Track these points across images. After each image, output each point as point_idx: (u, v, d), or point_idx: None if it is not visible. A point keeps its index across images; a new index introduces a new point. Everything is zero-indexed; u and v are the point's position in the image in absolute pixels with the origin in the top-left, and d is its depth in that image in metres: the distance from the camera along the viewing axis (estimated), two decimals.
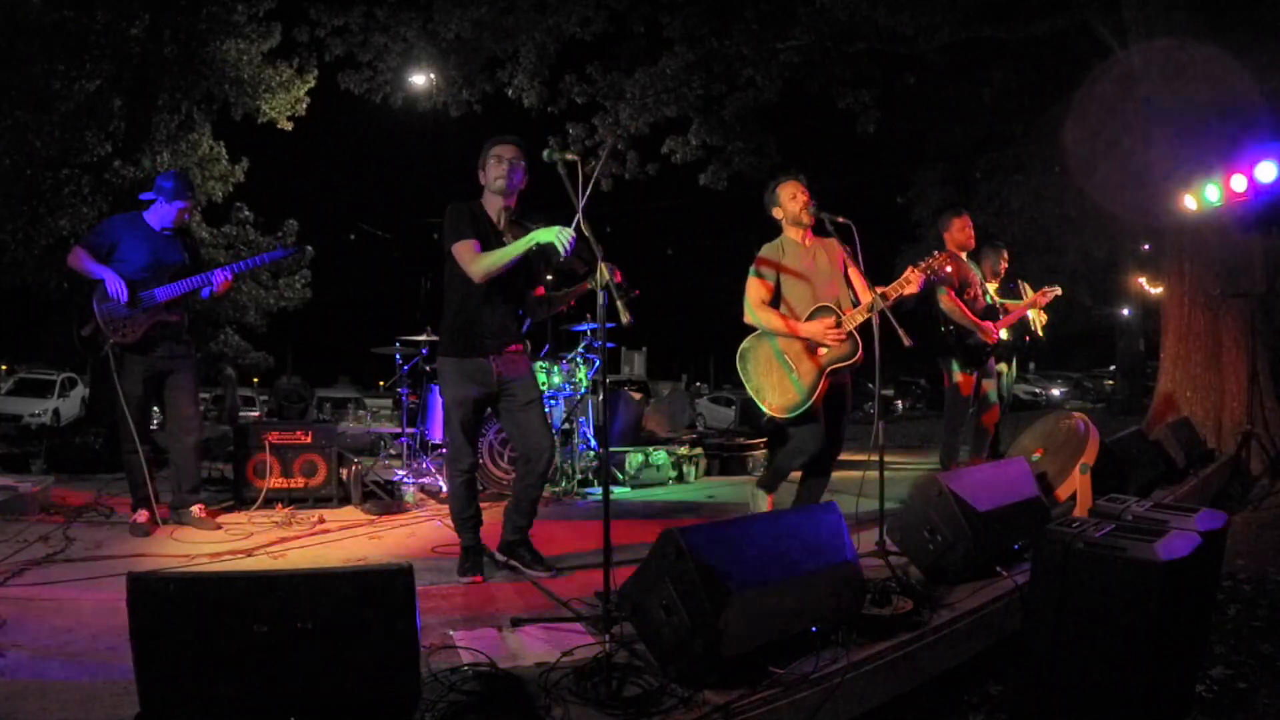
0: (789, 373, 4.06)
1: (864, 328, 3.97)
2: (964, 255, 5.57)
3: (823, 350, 4.03)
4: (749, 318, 4.17)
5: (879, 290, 3.87)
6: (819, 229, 4.19)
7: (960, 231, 5.56)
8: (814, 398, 4.00)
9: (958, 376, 5.53)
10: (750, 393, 4.17)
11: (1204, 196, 6.60)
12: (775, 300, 4.14)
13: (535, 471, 3.83)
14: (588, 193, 3.14)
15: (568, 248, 3.45)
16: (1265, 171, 6.16)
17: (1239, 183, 6.29)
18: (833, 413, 4.14)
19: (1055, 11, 8.83)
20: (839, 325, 3.97)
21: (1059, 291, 6.08)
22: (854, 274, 4.15)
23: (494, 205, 3.80)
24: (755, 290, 4.15)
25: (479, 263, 3.61)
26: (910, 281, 3.91)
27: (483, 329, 3.74)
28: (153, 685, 1.83)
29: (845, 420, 4.25)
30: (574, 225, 3.36)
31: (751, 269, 4.19)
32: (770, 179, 4.39)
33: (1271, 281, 6.75)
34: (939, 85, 13.50)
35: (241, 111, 14.97)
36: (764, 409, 4.13)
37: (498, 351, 3.76)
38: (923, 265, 3.96)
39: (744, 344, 4.21)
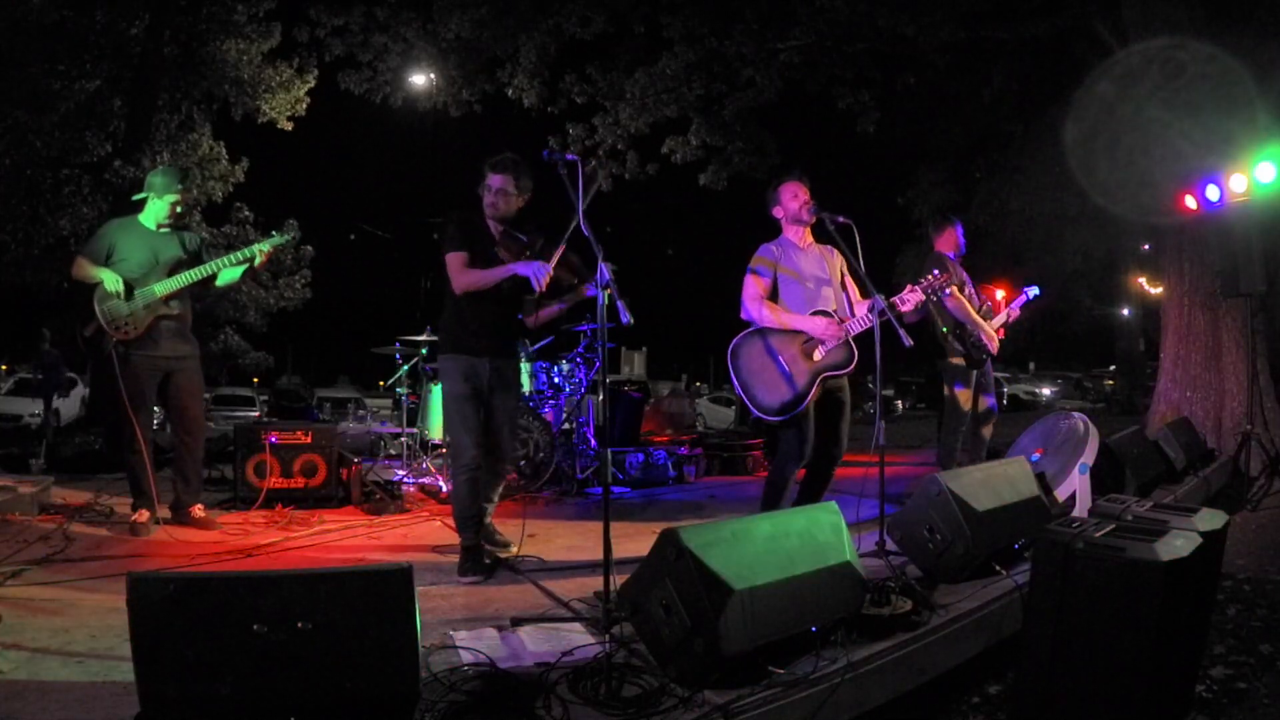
0: (781, 372, 3.97)
1: (860, 335, 3.96)
2: (954, 259, 5.64)
3: (818, 354, 4.00)
4: (746, 313, 4.13)
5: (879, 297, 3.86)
6: (820, 233, 4.17)
7: (949, 241, 5.65)
8: (805, 401, 3.92)
9: (957, 381, 5.53)
10: (739, 390, 4.05)
11: (1204, 196, 6.60)
12: (772, 299, 4.11)
13: (496, 472, 4.00)
14: (590, 195, 3.15)
15: (539, 285, 3.68)
16: (1265, 171, 6.17)
17: (1239, 183, 6.29)
18: (831, 418, 4.11)
19: (1055, 11, 8.83)
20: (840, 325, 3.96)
21: (1036, 291, 6.09)
22: (851, 285, 4.15)
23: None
24: (753, 287, 4.10)
25: (462, 278, 3.84)
26: (908, 301, 3.92)
27: (479, 329, 3.87)
28: (153, 685, 1.83)
29: (845, 425, 4.20)
30: (573, 226, 3.39)
31: (749, 267, 4.17)
32: (774, 179, 4.38)
33: (1271, 281, 6.74)
34: (939, 85, 13.45)
35: (241, 111, 14.97)
36: (752, 408, 4.02)
37: (492, 353, 3.89)
38: (924, 284, 3.98)
39: (735, 340, 4.10)
